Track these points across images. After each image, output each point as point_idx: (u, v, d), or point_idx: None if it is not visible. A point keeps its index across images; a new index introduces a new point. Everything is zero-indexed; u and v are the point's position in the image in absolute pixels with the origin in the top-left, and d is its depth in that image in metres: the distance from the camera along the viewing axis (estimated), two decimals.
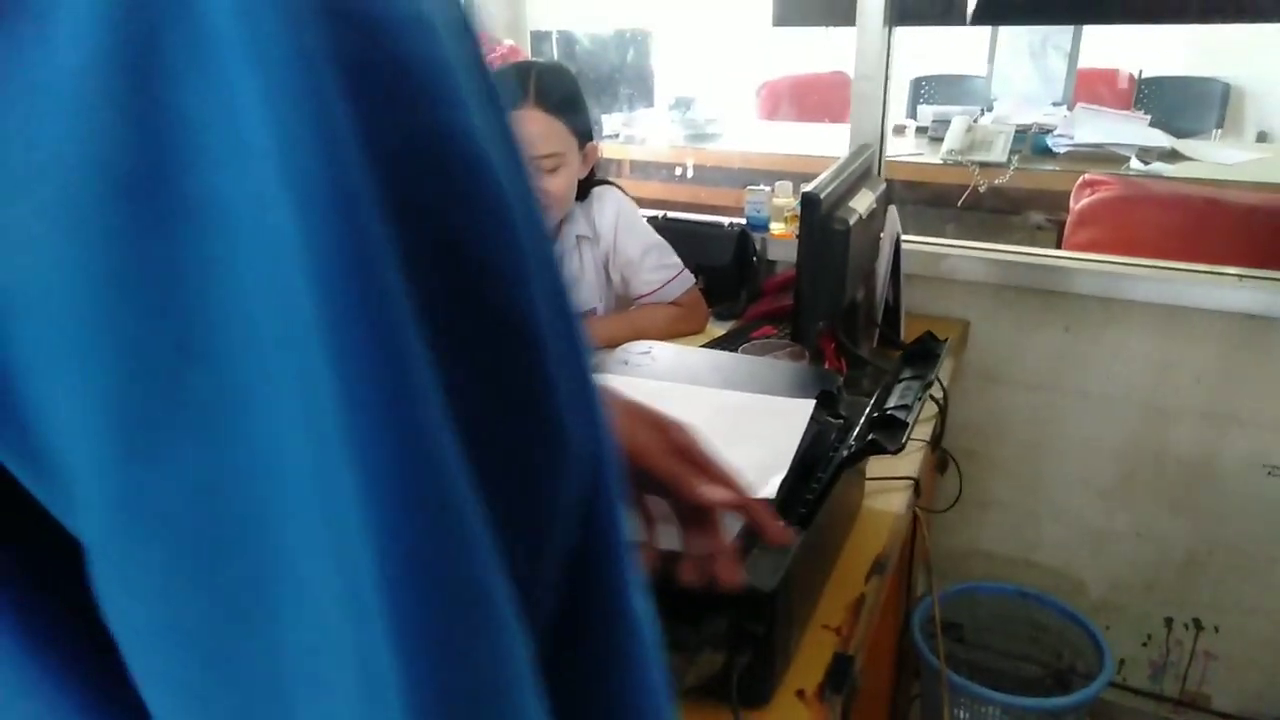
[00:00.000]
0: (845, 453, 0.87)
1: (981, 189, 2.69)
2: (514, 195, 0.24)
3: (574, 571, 0.29)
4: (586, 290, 1.67)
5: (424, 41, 0.22)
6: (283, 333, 0.19)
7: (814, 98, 4.13)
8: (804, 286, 1.31)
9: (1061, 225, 2.61)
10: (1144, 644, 1.88)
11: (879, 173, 1.75)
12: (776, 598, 0.82)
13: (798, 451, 0.96)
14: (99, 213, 0.19)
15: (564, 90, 1.47)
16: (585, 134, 1.51)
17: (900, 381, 0.96)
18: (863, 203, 1.41)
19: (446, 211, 0.22)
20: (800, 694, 0.88)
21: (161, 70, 0.18)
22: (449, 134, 0.22)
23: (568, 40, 3.12)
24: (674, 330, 1.66)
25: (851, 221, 1.31)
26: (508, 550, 0.23)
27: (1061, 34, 3.03)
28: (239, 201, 0.19)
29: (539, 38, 3.16)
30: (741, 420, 1.05)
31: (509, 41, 3.19)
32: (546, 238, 0.27)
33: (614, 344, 1.60)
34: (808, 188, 1.27)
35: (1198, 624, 1.81)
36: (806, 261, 1.29)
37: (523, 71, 1.46)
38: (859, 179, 1.47)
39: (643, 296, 1.67)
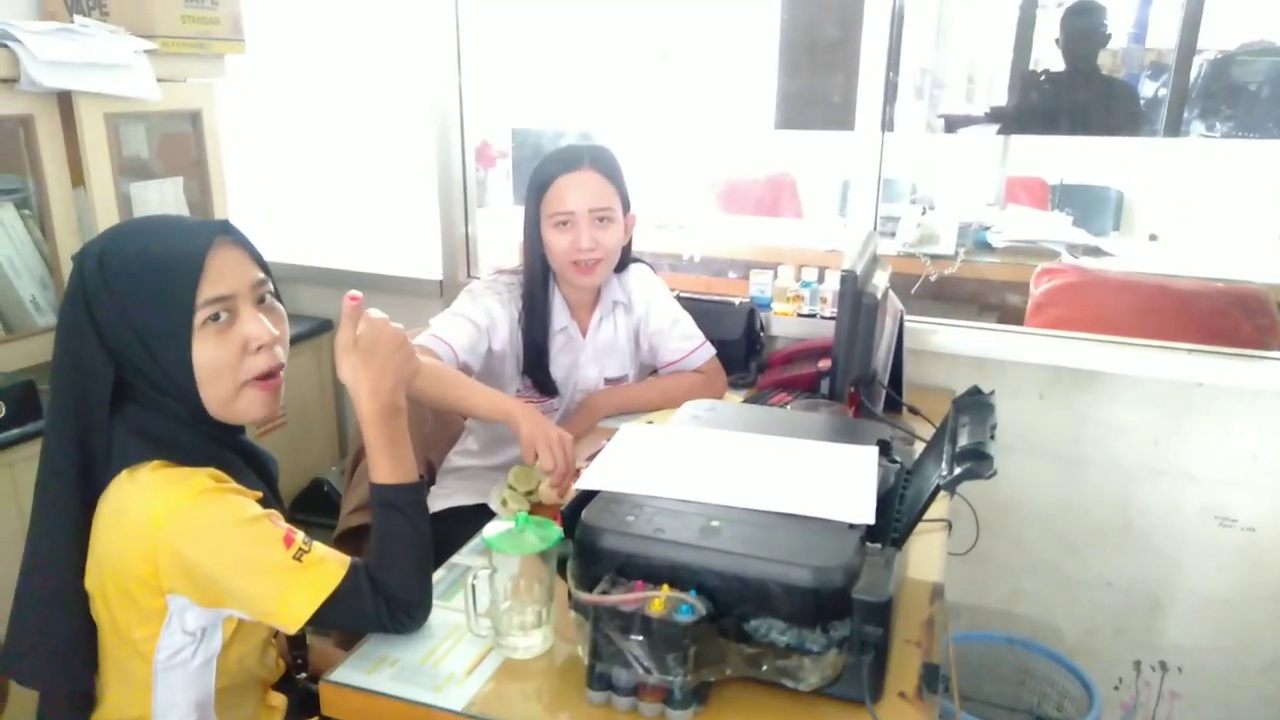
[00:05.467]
0: (940, 480, 1.02)
1: (933, 279, 2.95)
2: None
3: None
4: (618, 357, 1.81)
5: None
6: None
7: (754, 196, 4.43)
8: (840, 352, 1.48)
9: (1006, 309, 2.89)
10: (1115, 687, 2.05)
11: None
12: (891, 605, 0.95)
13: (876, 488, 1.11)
14: None
15: (611, 162, 1.67)
16: (626, 203, 1.68)
17: (961, 426, 1.12)
18: (881, 282, 1.60)
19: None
20: (902, 695, 1.01)
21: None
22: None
23: (550, 138, 3.33)
24: (697, 396, 1.79)
25: (878, 296, 1.50)
26: None
27: (991, 143, 3.40)
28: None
29: (521, 135, 3.37)
30: (817, 463, 1.20)
31: (485, 138, 3.39)
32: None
33: (644, 407, 1.76)
34: (846, 266, 1.45)
35: (1163, 666, 2.00)
36: (844, 330, 1.46)
37: (580, 148, 1.67)
38: (872, 262, 1.67)
39: (669, 364, 1.82)
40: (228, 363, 1.04)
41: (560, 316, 1.72)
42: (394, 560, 1.06)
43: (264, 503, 1.06)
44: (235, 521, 1.00)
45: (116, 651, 1.06)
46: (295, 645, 1.29)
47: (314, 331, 2.53)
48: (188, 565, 0.99)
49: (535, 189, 1.64)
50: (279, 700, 1.25)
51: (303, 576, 1.00)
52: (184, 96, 2.15)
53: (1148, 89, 4.25)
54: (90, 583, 1.04)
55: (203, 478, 1.01)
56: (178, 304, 1.01)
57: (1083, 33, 3.58)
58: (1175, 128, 3.94)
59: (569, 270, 1.65)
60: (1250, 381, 1.80)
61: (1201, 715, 2.00)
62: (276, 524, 1.02)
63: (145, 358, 1.02)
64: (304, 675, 1.29)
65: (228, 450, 1.10)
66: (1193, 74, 3.90)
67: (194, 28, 2.09)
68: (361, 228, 2.69)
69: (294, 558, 1.00)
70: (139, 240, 1.04)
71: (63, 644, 1.06)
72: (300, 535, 1.02)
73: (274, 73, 2.59)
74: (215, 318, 1.03)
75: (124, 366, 1.03)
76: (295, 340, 2.41)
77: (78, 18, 1.97)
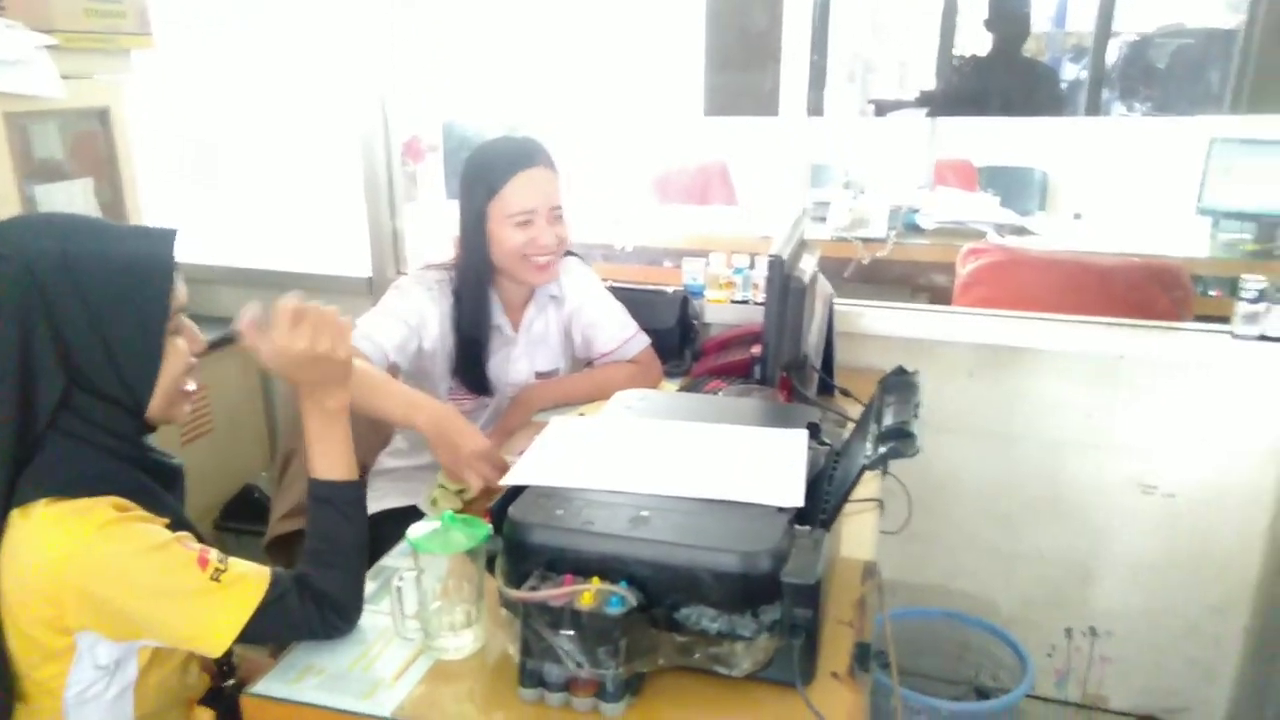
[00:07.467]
0: (865, 460, 1.03)
1: (865, 262, 2.99)
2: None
3: None
4: (550, 351, 1.79)
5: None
6: None
7: (684, 184, 4.43)
8: (770, 336, 1.48)
9: (936, 289, 2.94)
10: (1049, 654, 2.11)
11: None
12: (819, 587, 0.96)
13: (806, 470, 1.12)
14: None
15: (553, 157, 1.64)
16: None
17: (887, 406, 1.13)
18: (809, 266, 1.61)
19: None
20: (835, 675, 1.01)
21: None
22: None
23: (480, 131, 3.29)
24: (632, 386, 1.78)
25: (806, 280, 1.51)
26: None
27: (920, 126, 3.46)
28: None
29: (450, 128, 3.32)
30: (747, 448, 1.20)
31: (415, 133, 3.33)
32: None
33: (580, 399, 1.74)
34: (774, 251, 1.45)
35: (1094, 631, 2.06)
36: (772, 315, 1.47)
37: (527, 143, 1.63)
38: (800, 246, 1.68)
39: (604, 355, 1.81)
40: (182, 367, 1.08)
41: (494, 313, 1.70)
42: (329, 558, 1.04)
43: (174, 526, 1.02)
44: (143, 550, 0.96)
45: (23, 689, 1.02)
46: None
47: (237, 335, 2.46)
48: (97, 602, 0.95)
49: (485, 186, 1.58)
50: (206, 716, 1.21)
51: (222, 596, 0.97)
52: (90, 94, 2.07)
53: (1069, 71, 4.36)
54: None
55: (104, 509, 0.96)
56: (155, 310, 1.02)
57: (1007, 16, 3.65)
58: (1095, 108, 4.05)
59: (521, 266, 1.61)
60: (1167, 352, 1.86)
61: (1130, 679, 2.06)
62: (188, 546, 0.98)
63: (103, 365, 1.00)
64: (232, 682, 1.25)
65: (138, 471, 1.06)
66: (1113, 56, 4.01)
67: (98, 21, 2.01)
68: (284, 225, 2.62)
69: (211, 579, 0.96)
70: (100, 241, 1.02)
71: None
72: (214, 554, 0.99)
73: (186, 67, 2.50)
74: (172, 325, 1.06)
75: (72, 377, 1.00)
76: (220, 344, 2.34)
77: None
